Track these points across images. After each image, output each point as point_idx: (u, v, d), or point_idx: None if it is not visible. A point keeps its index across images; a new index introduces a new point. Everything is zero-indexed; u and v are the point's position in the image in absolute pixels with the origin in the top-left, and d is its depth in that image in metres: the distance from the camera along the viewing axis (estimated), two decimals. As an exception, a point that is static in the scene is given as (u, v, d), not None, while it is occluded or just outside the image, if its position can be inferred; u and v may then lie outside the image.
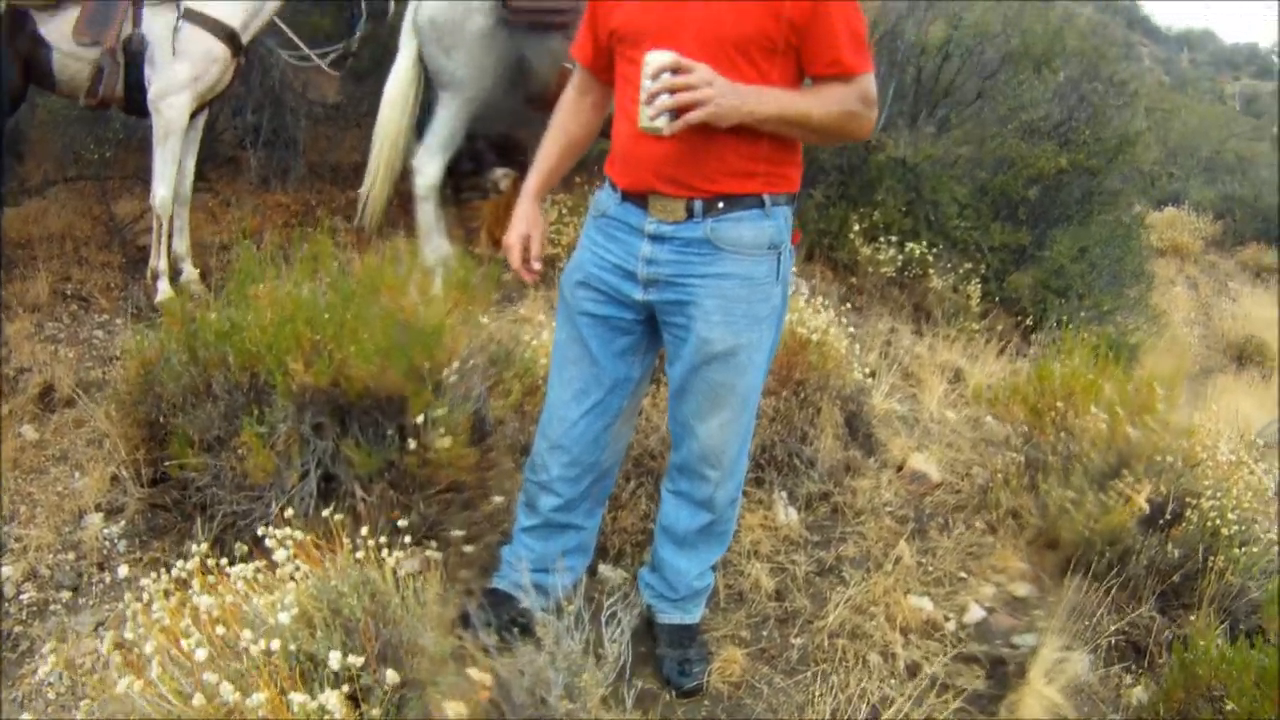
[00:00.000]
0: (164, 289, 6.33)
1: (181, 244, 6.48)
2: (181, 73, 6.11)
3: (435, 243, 6.53)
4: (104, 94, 6.15)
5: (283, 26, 6.79)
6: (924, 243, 8.35)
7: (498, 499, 4.06)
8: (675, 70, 2.71)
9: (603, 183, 3.28)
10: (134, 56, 6.11)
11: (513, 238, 3.33)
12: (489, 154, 7.78)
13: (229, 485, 3.88)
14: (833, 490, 4.85)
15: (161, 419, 4.27)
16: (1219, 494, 4.57)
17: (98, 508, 4.37)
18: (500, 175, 6.99)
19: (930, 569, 4.49)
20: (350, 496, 3.85)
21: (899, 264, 8.30)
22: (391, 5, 6.62)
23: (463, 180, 7.77)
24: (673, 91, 2.70)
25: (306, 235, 7.02)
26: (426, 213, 6.51)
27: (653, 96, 2.73)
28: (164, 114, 6.17)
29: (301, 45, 6.96)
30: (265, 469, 3.73)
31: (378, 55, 7.78)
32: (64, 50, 6.19)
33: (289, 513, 3.44)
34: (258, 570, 3.10)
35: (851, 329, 6.85)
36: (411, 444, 3.82)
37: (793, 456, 4.82)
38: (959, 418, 6.12)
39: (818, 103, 2.93)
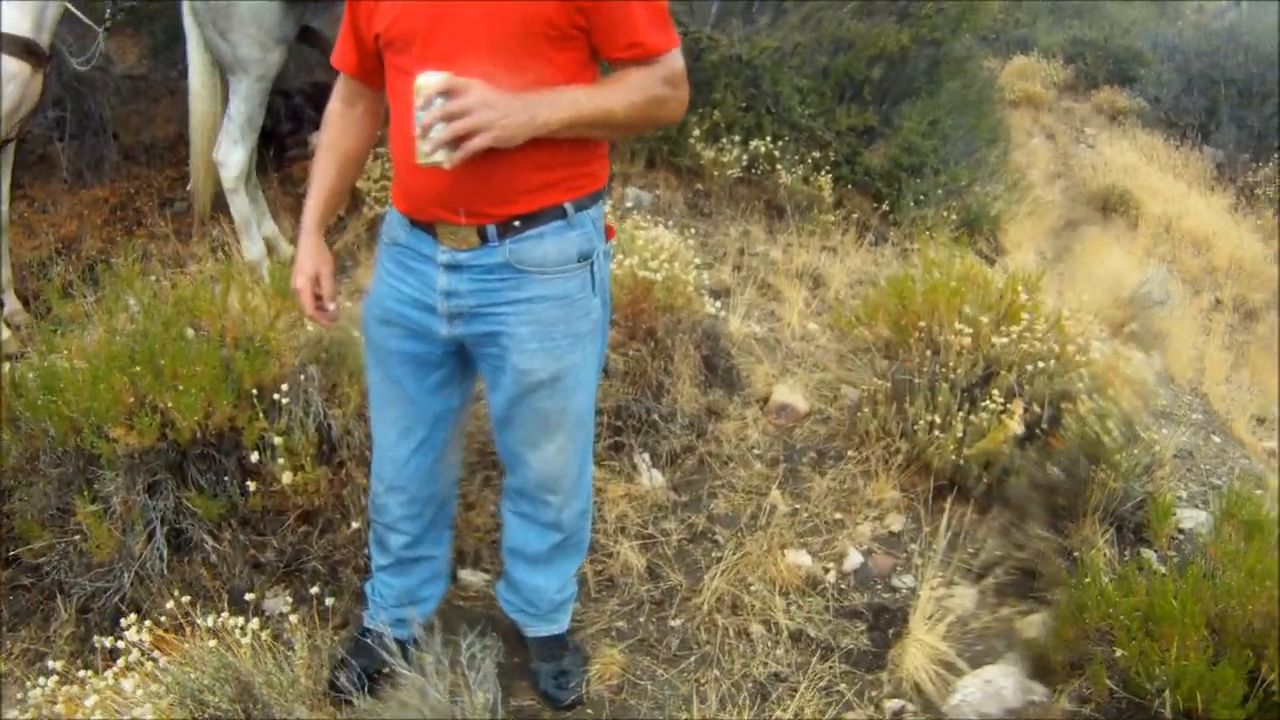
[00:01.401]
0: None
1: (2, 273, 6.24)
2: None
3: (254, 234, 6.26)
4: None
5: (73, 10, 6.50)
6: (769, 137, 8.25)
7: (355, 524, 3.98)
8: (448, 93, 2.49)
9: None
10: None
11: (300, 280, 3.08)
12: (306, 107, 7.59)
13: (78, 565, 3.79)
14: (696, 442, 4.83)
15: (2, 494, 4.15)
16: (1095, 395, 4.58)
17: None
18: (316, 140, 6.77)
19: (805, 516, 4.53)
20: (201, 548, 3.81)
21: (745, 163, 8.18)
22: None
23: (286, 140, 7.59)
24: (448, 119, 2.49)
25: (126, 236, 6.89)
26: (240, 207, 6.18)
27: (427, 129, 2.51)
28: None
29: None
30: (108, 546, 3.67)
31: (173, 27, 7.51)
32: None
33: (135, 615, 3.34)
34: (118, 675, 3.02)
35: (701, 239, 6.80)
36: (250, 483, 3.78)
37: (650, 413, 4.78)
38: (823, 331, 6.10)
39: (620, 94, 2.72)
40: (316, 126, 7.14)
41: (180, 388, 3.66)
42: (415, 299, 2.96)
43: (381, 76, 2.92)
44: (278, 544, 3.93)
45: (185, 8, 6.12)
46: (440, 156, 2.53)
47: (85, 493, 3.69)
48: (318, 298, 3.10)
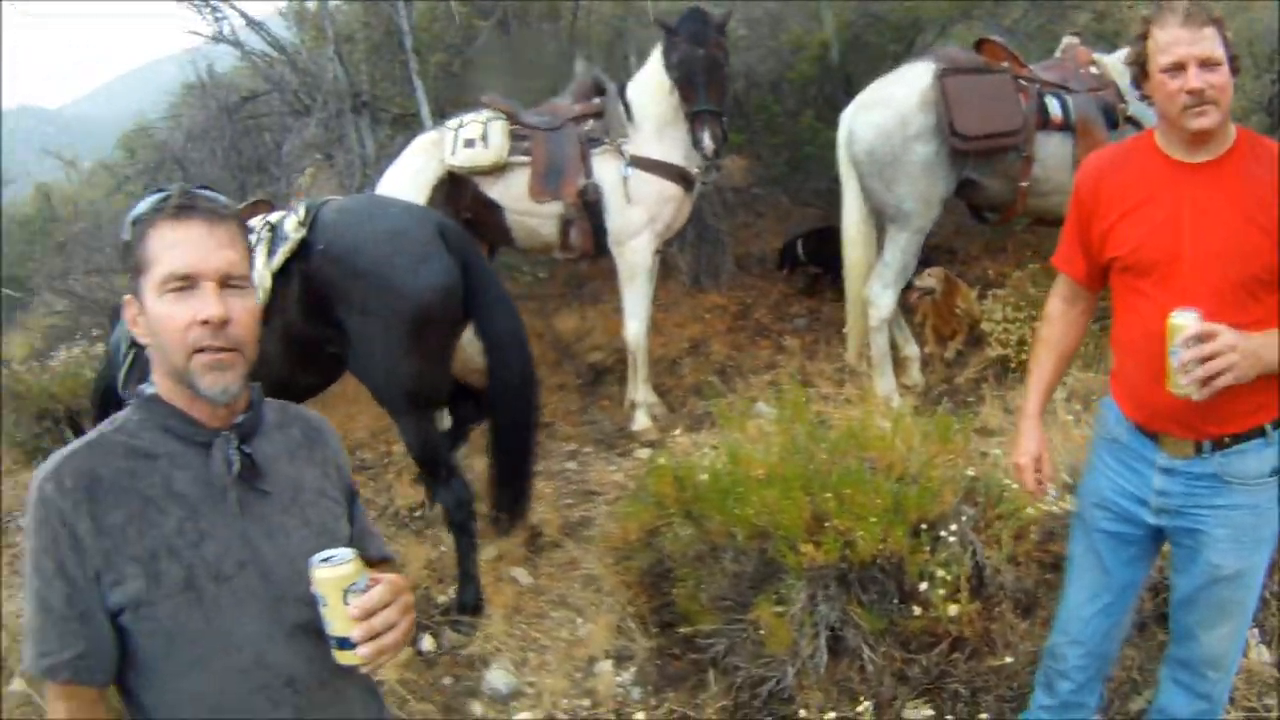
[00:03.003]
0: (641, 420, 6.96)
1: (641, 370, 7.09)
2: (637, 217, 6.68)
3: (887, 372, 6.71)
4: (579, 245, 6.81)
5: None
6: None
7: (1008, 659, 4.33)
8: (1202, 337, 2.86)
9: (1105, 395, 3.50)
10: (590, 205, 6.72)
11: (1024, 459, 3.55)
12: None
13: (745, 651, 4.38)
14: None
15: (663, 574, 4.81)
16: None
17: (606, 655, 4.86)
18: (928, 281, 7.20)
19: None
20: (858, 655, 4.30)
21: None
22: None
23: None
24: (1203, 360, 2.86)
25: (751, 344, 7.54)
26: (880, 345, 6.65)
27: (1185, 365, 2.89)
28: (627, 257, 6.79)
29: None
30: (784, 642, 4.22)
31: (794, 160, 8.13)
32: (516, 210, 6.90)
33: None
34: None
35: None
36: (915, 608, 4.24)
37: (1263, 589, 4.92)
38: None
39: None
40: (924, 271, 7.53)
41: (860, 516, 4.19)
42: (1131, 493, 3.38)
43: (1101, 282, 3.41)
44: (925, 663, 4.35)
45: (844, 158, 6.67)
46: (1191, 389, 2.93)
47: (769, 593, 4.28)
48: (1037, 472, 3.56)
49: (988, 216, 7.13)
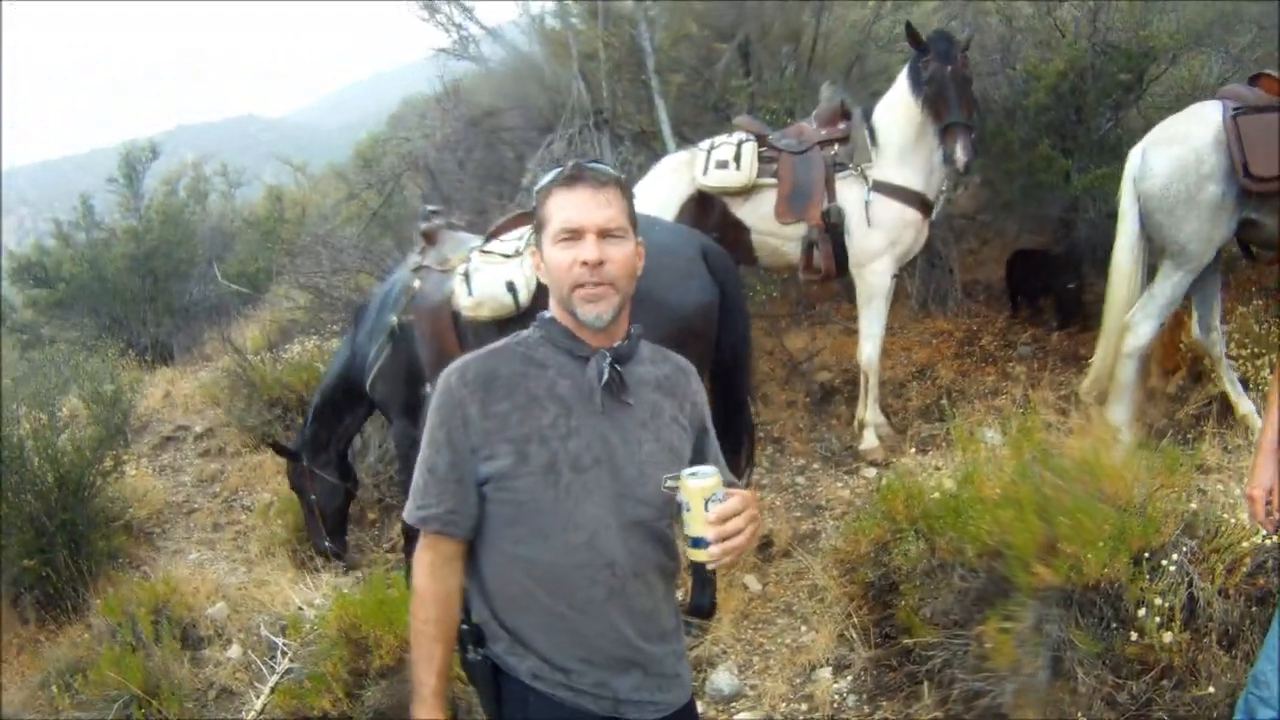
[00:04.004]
0: (869, 440, 7.25)
1: (873, 388, 7.37)
2: (878, 241, 7.00)
3: (1125, 401, 6.72)
4: (821, 266, 7.13)
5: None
6: None
7: (1210, 689, 4.43)
8: None
9: None
10: (833, 228, 7.05)
11: (1258, 491, 3.70)
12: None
13: (965, 665, 4.61)
14: None
15: (887, 587, 5.08)
16: None
17: (826, 662, 5.15)
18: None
19: None
20: (1072, 676, 4.48)
21: None
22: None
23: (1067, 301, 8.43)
24: None
25: (977, 370, 7.79)
26: (1127, 371, 6.66)
27: None
28: (867, 280, 7.10)
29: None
30: (1008, 658, 4.44)
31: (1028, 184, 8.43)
32: (761, 230, 7.29)
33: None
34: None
35: None
36: (1133, 633, 4.40)
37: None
38: None
39: None
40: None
41: (1089, 541, 4.39)
42: None
43: None
44: (1134, 690, 4.49)
45: (1129, 192, 6.67)
46: None
47: (999, 610, 4.50)
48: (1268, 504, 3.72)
49: (1254, 251, 7.11)
